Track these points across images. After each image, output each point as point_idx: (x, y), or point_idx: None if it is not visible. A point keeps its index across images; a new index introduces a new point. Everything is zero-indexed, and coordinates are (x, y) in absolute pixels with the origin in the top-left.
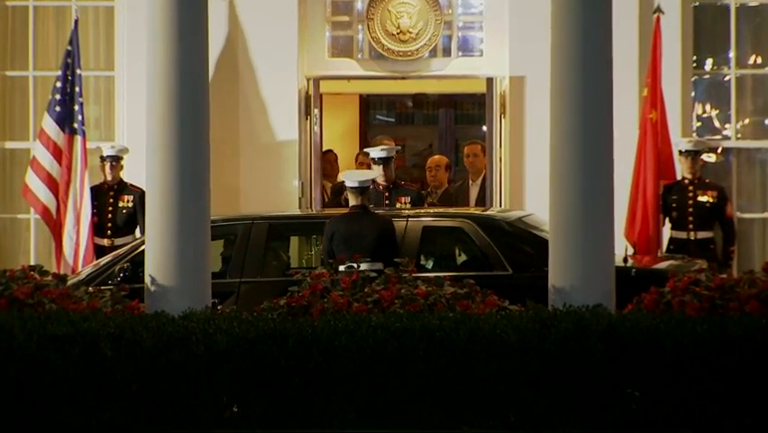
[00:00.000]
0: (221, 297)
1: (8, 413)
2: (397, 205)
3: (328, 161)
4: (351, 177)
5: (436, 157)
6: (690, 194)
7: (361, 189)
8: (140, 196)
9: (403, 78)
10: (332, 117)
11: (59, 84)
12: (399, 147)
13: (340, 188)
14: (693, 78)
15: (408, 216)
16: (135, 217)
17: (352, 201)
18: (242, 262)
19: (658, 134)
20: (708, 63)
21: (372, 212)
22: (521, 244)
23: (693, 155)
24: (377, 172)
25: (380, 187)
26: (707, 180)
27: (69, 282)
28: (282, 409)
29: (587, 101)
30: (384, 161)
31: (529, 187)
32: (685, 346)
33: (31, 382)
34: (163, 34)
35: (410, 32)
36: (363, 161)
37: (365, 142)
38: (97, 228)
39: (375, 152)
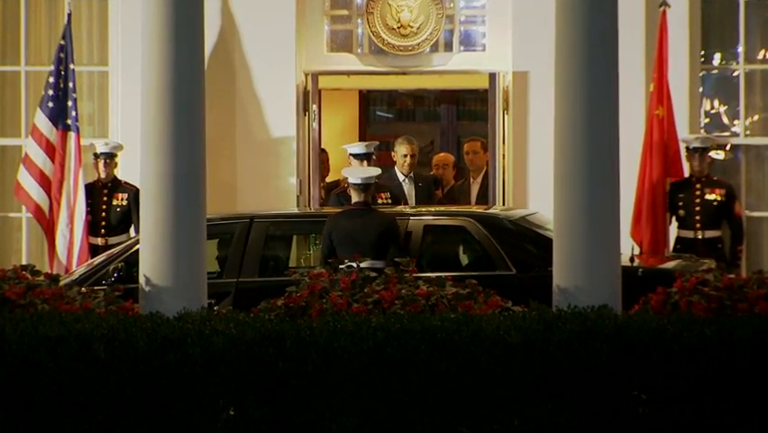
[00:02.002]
0: (217, 297)
1: None
2: (379, 201)
3: (321, 161)
4: (354, 173)
5: (442, 155)
6: (698, 192)
7: (365, 186)
8: (134, 194)
9: (404, 74)
10: (331, 114)
11: (51, 79)
12: (377, 143)
13: (329, 188)
14: (701, 74)
15: (410, 215)
16: (129, 216)
17: (355, 198)
18: (238, 261)
19: (665, 131)
20: (717, 58)
21: (375, 209)
22: (524, 244)
23: (701, 152)
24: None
25: None
26: (714, 178)
27: (62, 282)
28: (280, 413)
29: (592, 97)
30: (364, 157)
31: (533, 184)
32: (693, 348)
33: (22, 384)
34: (158, 29)
35: (411, 27)
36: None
37: (365, 139)
38: (91, 227)
39: (354, 148)
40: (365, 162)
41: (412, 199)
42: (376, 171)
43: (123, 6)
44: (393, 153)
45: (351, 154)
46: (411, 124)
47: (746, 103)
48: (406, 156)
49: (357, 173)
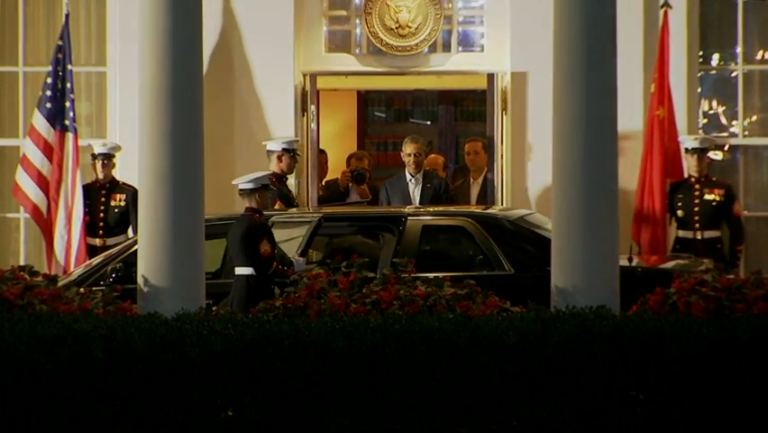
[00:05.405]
0: (215, 298)
1: None
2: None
3: (319, 162)
4: (245, 178)
5: (432, 156)
6: (697, 192)
7: (249, 191)
8: (132, 194)
9: (402, 74)
10: (329, 114)
11: (49, 80)
12: (297, 139)
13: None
14: (699, 74)
15: (408, 216)
16: (128, 216)
17: (245, 204)
18: None
19: (665, 132)
20: (715, 58)
21: (246, 215)
22: (523, 244)
23: (699, 153)
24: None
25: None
26: (713, 178)
27: (60, 283)
28: (278, 414)
29: (590, 97)
30: (290, 153)
31: (531, 185)
32: (691, 349)
33: (20, 384)
34: (156, 29)
35: (409, 27)
36: (357, 165)
37: (363, 139)
38: (89, 228)
39: (273, 145)
40: (284, 158)
41: (416, 200)
42: (266, 172)
43: (121, 7)
44: (402, 153)
45: (285, 150)
46: (409, 124)
47: (745, 103)
48: (410, 155)
49: (248, 177)
